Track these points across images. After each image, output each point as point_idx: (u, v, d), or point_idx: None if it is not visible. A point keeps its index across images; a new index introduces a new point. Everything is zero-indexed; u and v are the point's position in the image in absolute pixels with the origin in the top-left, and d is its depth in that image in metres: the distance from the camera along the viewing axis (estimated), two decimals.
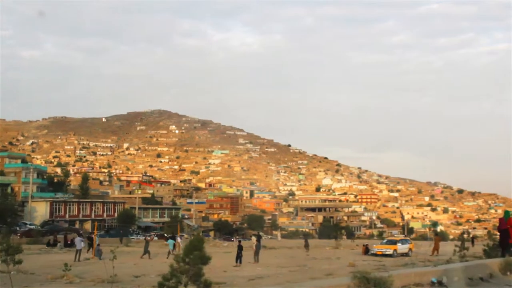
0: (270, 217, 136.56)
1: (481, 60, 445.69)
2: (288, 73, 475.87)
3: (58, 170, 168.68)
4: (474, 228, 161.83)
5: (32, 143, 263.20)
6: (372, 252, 38.24)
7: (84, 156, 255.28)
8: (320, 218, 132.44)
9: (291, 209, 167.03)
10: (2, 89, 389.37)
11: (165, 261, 30.76)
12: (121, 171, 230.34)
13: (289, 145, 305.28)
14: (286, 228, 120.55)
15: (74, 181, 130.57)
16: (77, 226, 73.05)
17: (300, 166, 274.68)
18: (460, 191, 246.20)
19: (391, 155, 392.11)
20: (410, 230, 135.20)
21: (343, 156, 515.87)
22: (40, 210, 72.91)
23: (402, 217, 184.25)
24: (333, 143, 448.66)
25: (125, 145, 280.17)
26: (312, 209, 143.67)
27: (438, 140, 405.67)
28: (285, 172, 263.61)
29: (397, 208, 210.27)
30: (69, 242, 43.87)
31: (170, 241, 35.66)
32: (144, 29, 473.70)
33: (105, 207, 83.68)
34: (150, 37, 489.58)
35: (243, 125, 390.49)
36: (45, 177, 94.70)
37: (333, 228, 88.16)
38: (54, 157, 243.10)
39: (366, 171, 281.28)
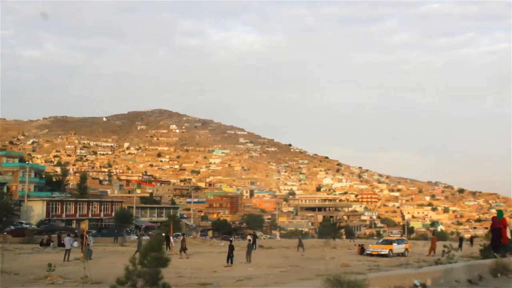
0: (269, 216, 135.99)
1: (481, 60, 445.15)
2: (289, 72, 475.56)
3: (58, 169, 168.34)
4: (474, 227, 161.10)
5: (33, 143, 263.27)
6: (367, 252, 37.75)
7: (85, 156, 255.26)
8: (320, 217, 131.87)
9: (291, 209, 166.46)
10: (3, 88, 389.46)
11: None
12: (121, 171, 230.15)
13: (290, 145, 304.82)
14: (286, 228, 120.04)
15: (74, 181, 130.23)
16: (74, 225, 72.58)
17: (301, 166, 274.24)
18: (461, 191, 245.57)
19: (392, 154, 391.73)
20: (411, 230, 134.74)
21: (344, 155, 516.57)
22: (36, 209, 72.55)
23: (403, 217, 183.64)
24: (334, 143, 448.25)
25: (126, 145, 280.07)
26: (312, 209, 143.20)
27: (438, 140, 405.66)
28: (285, 172, 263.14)
29: (398, 207, 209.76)
30: (62, 242, 43.41)
31: None
32: (145, 29, 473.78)
33: (103, 207, 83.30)
34: (151, 37, 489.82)
35: (243, 125, 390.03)
36: (43, 176, 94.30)
37: (331, 227, 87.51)
38: (55, 156, 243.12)
39: (367, 170, 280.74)
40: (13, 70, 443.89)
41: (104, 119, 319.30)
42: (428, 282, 10.68)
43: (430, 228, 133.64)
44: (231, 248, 29.52)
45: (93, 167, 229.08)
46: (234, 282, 20.63)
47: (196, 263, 29.98)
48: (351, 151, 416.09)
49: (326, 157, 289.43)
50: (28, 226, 59.79)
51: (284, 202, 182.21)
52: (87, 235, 45.03)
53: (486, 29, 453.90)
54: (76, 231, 54.44)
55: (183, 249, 34.83)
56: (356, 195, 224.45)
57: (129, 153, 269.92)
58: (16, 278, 20.39)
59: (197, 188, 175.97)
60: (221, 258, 31.41)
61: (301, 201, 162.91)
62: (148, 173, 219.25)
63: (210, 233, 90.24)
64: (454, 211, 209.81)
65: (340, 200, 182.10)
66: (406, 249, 38.35)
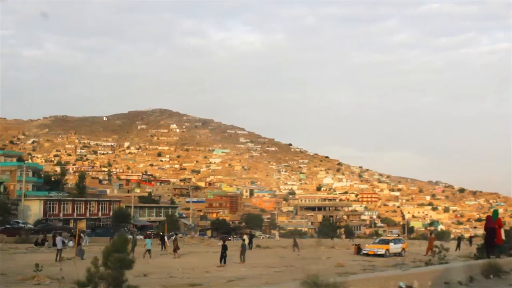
0: (269, 216, 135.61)
1: (481, 60, 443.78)
2: (289, 72, 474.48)
3: (58, 169, 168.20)
4: (475, 227, 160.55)
5: (33, 142, 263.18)
6: (364, 252, 37.41)
7: (85, 155, 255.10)
8: (319, 217, 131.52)
9: (291, 208, 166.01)
10: (3, 88, 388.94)
11: (148, 262, 30.10)
12: (121, 170, 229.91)
13: (290, 144, 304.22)
14: (285, 227, 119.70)
15: (73, 180, 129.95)
16: (71, 225, 72.30)
17: (301, 165, 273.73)
18: (461, 190, 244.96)
19: (392, 154, 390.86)
20: (411, 230, 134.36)
21: (344, 155, 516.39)
22: (33, 209, 72.26)
23: (403, 216, 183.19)
24: (334, 142, 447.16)
25: (126, 144, 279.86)
26: (312, 208, 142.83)
27: (439, 140, 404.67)
28: (286, 171, 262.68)
29: (398, 207, 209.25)
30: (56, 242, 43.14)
31: (148, 241, 34.99)
32: (145, 28, 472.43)
33: (100, 206, 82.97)
34: (151, 36, 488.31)
35: (244, 124, 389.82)
36: (42, 175, 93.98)
37: (330, 227, 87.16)
38: (55, 156, 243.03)
39: (367, 170, 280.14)
40: (13, 70, 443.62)
41: (104, 118, 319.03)
42: (415, 284, 10.27)
43: (429, 228, 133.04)
44: (224, 248, 29.21)
45: (93, 167, 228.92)
46: (225, 282, 20.32)
47: (190, 263, 29.69)
48: (352, 151, 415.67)
49: (327, 157, 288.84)
50: (24, 225, 59.51)
51: (284, 202, 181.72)
52: (83, 235, 44.81)
53: (486, 29, 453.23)
54: (72, 230, 54.16)
55: (175, 248, 34.60)
56: (357, 195, 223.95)
57: (129, 153, 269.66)
58: (2, 279, 20.04)
59: (197, 188, 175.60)
60: (216, 258, 31.08)
61: (301, 200, 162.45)
62: (148, 173, 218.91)
63: (209, 232, 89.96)
64: (454, 211, 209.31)
65: (340, 200, 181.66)
66: (403, 249, 38.00)
